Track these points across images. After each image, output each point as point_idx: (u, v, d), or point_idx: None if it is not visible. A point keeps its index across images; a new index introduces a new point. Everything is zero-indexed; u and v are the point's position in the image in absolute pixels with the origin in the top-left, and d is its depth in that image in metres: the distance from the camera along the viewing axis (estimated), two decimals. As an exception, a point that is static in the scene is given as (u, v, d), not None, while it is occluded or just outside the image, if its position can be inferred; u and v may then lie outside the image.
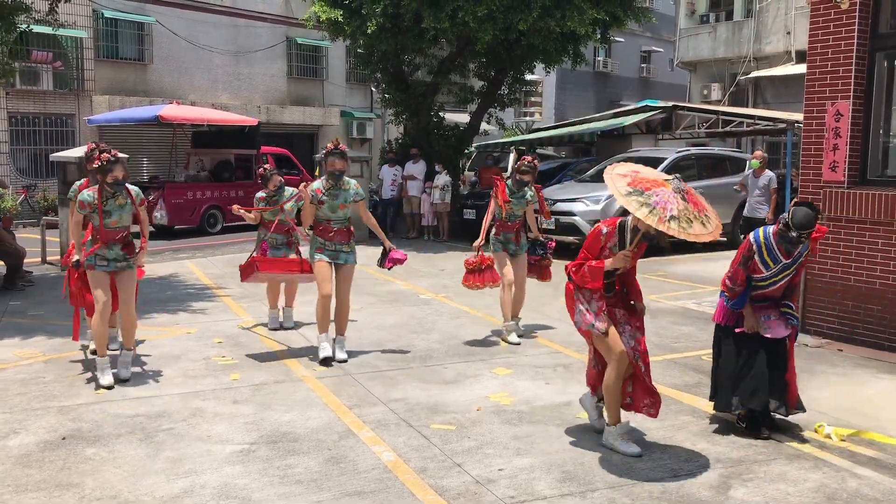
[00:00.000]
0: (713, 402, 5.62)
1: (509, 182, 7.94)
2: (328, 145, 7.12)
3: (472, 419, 5.61)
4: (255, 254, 7.82)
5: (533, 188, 7.98)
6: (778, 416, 5.47)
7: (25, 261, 10.81)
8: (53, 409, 5.76)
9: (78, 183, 7.23)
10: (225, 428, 5.40)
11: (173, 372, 6.72)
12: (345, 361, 7.06)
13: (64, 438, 5.18)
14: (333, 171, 7.01)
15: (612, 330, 5.01)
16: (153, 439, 5.18)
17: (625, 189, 4.67)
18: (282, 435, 5.28)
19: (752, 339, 5.41)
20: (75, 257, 6.50)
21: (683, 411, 5.83)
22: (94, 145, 6.89)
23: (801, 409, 5.51)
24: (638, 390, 5.16)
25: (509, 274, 7.90)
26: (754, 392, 5.31)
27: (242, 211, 8.26)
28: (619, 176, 4.81)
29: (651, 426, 5.48)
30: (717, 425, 5.53)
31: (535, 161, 8.03)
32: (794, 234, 5.09)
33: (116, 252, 6.38)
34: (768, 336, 5.33)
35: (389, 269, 7.45)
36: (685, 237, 4.57)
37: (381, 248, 7.41)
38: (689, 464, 4.88)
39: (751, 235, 5.36)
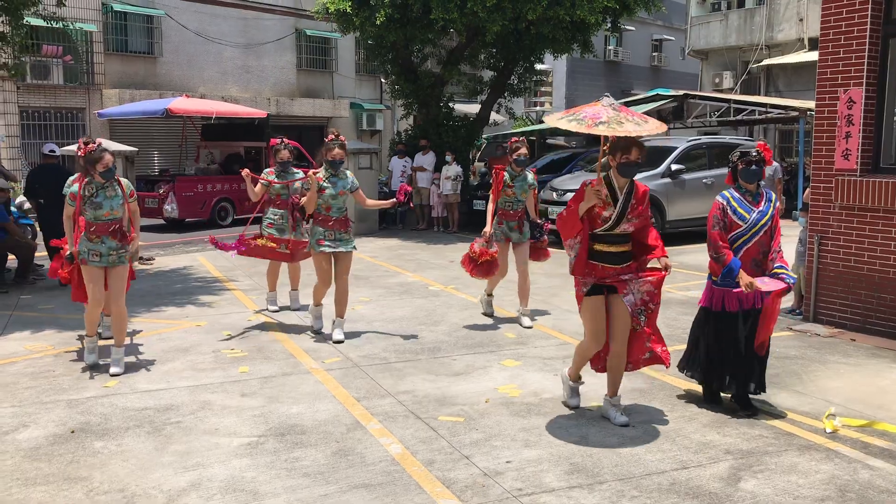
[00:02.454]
0: (680, 366, 5.90)
1: (509, 168, 8.01)
2: (328, 136, 7.54)
3: (480, 411, 5.58)
4: (247, 236, 8.18)
5: (531, 172, 8.19)
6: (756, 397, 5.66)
7: (36, 255, 10.84)
8: (63, 402, 5.78)
9: (71, 178, 7.18)
10: (233, 421, 5.40)
11: (182, 365, 6.73)
12: (341, 342, 7.33)
13: (73, 432, 5.19)
14: (333, 160, 7.36)
15: (598, 312, 5.22)
16: (161, 432, 5.19)
17: (559, 115, 5.03)
18: (289, 427, 5.27)
19: (731, 324, 5.51)
20: (69, 250, 6.57)
21: (692, 402, 5.79)
22: (82, 142, 7.03)
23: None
24: (633, 347, 5.30)
25: (504, 267, 8.15)
26: (733, 377, 5.56)
27: (251, 175, 8.17)
28: (556, 113, 5.21)
29: (660, 417, 5.45)
30: (726, 416, 5.49)
31: (523, 138, 8.20)
32: (743, 160, 5.39)
33: (109, 245, 6.45)
34: (764, 290, 5.31)
35: (403, 200, 8.06)
36: (616, 134, 4.76)
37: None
38: (699, 455, 4.84)
39: (717, 197, 5.52)
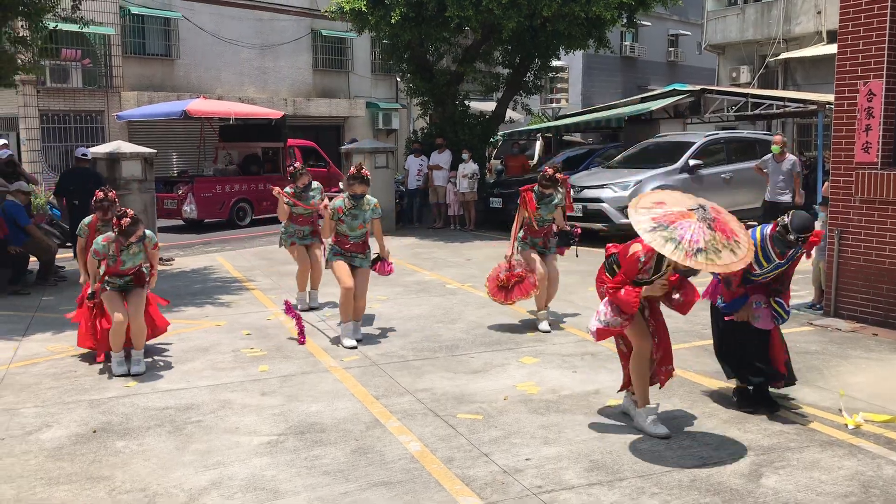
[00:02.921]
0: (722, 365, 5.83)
1: (536, 189, 7.79)
2: (352, 169, 7.41)
3: (498, 408, 5.58)
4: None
5: (562, 191, 7.89)
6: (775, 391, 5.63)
7: (57, 256, 10.95)
8: (84, 402, 5.83)
9: (87, 221, 7.40)
10: (253, 419, 5.43)
11: (202, 364, 6.77)
12: (359, 341, 7.37)
13: (95, 431, 5.24)
14: (354, 195, 7.33)
15: (638, 322, 5.06)
16: (182, 432, 5.22)
17: (649, 225, 4.59)
18: (309, 426, 5.29)
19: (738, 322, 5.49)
20: (90, 289, 6.74)
21: (713, 398, 5.75)
22: (101, 194, 7.27)
23: (792, 381, 5.64)
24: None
25: (542, 268, 7.82)
26: (746, 368, 5.51)
27: (283, 194, 8.55)
28: (643, 210, 4.74)
29: (680, 413, 5.43)
30: (747, 413, 5.44)
31: (558, 174, 7.80)
32: (791, 237, 5.07)
33: (126, 281, 6.70)
34: (758, 326, 5.38)
35: (376, 272, 7.64)
36: (713, 270, 4.53)
37: (377, 254, 7.62)
38: (720, 451, 4.81)
39: (754, 229, 5.31)
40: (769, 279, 5.39)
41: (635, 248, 4.92)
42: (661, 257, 4.85)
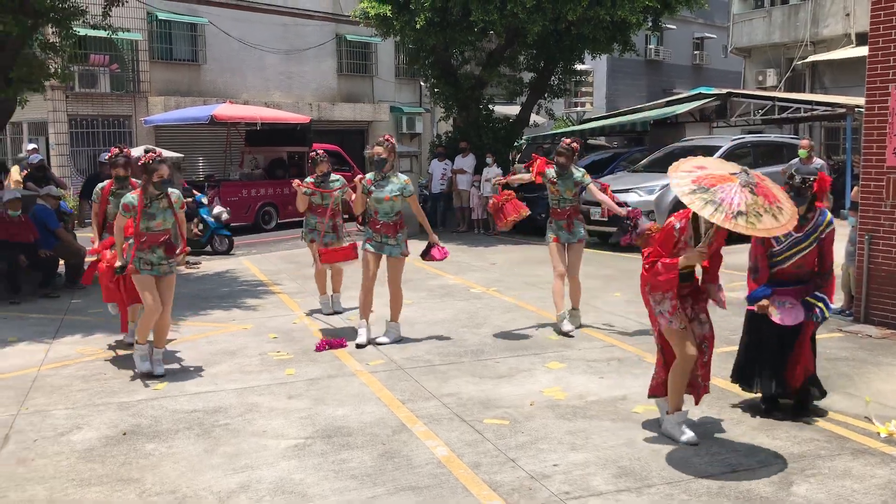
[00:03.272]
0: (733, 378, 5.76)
1: (555, 168, 7.87)
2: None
3: (525, 414, 5.57)
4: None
5: (581, 169, 7.94)
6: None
7: (86, 259, 11.07)
8: (114, 404, 5.89)
9: (101, 185, 7.54)
10: (280, 423, 5.46)
11: (229, 367, 6.82)
12: (385, 343, 7.42)
13: (124, 434, 5.29)
14: (374, 159, 7.43)
15: (686, 332, 4.96)
16: (210, 434, 5.26)
17: (688, 187, 4.46)
18: (336, 429, 5.31)
19: (764, 322, 5.35)
20: (118, 262, 6.60)
21: (741, 405, 5.70)
22: (116, 150, 7.26)
23: (817, 394, 5.53)
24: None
25: (559, 265, 7.85)
26: (759, 376, 5.46)
27: (301, 184, 8.58)
28: (683, 173, 4.63)
29: (708, 420, 5.38)
30: (776, 420, 5.39)
31: (574, 143, 7.88)
32: (797, 179, 5.10)
33: (159, 255, 6.50)
34: (776, 321, 5.23)
35: (427, 261, 7.79)
36: (754, 233, 4.39)
37: (427, 241, 7.68)
38: (749, 458, 4.77)
39: None
40: (794, 262, 5.27)
41: (670, 219, 4.91)
42: (698, 228, 4.81)
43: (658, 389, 5.29)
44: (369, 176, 7.38)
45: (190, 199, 12.64)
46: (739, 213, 4.30)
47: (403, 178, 7.46)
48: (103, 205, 7.51)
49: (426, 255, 7.64)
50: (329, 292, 8.94)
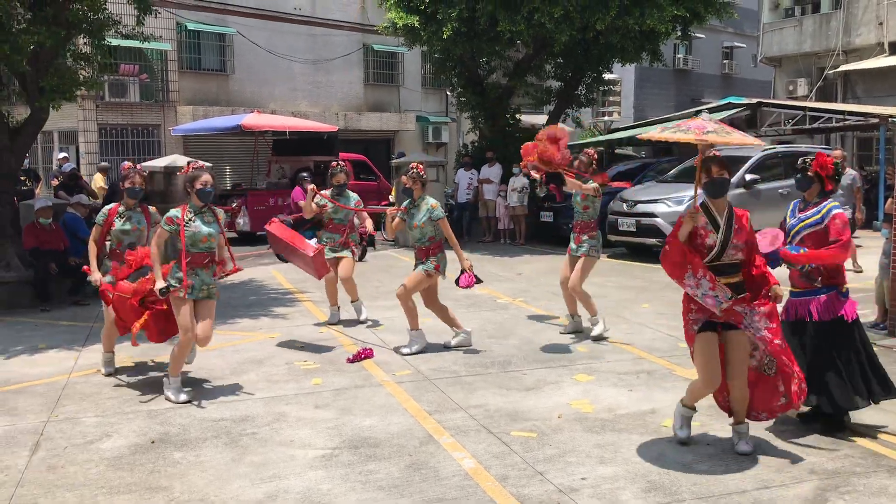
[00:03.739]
0: None
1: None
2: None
3: (553, 426, 5.52)
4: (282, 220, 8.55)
5: (591, 180, 8.06)
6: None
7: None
8: (143, 412, 5.92)
9: (107, 207, 6.91)
10: (307, 433, 5.45)
11: (257, 376, 6.83)
12: (446, 347, 7.68)
13: (153, 442, 5.31)
14: (401, 187, 7.69)
15: (711, 350, 4.89)
16: (238, 443, 5.27)
17: (659, 130, 5.04)
18: (363, 440, 5.30)
19: (796, 332, 5.36)
20: (160, 284, 6.01)
21: (773, 419, 5.60)
22: (130, 164, 7.12)
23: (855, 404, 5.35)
24: (763, 394, 5.08)
25: (561, 273, 8.27)
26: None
27: (317, 191, 8.46)
28: (655, 128, 5.23)
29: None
30: (810, 435, 5.30)
31: (594, 155, 8.27)
32: (799, 162, 5.43)
33: (203, 278, 6.12)
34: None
35: (462, 288, 7.71)
36: (727, 142, 4.87)
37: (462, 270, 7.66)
38: (781, 474, 4.68)
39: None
40: (805, 236, 5.34)
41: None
42: (710, 213, 4.94)
43: (721, 403, 5.25)
44: (405, 204, 7.61)
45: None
46: (708, 131, 4.78)
47: (431, 202, 7.55)
48: (106, 228, 6.77)
49: (458, 281, 7.67)
50: (347, 302, 8.94)
